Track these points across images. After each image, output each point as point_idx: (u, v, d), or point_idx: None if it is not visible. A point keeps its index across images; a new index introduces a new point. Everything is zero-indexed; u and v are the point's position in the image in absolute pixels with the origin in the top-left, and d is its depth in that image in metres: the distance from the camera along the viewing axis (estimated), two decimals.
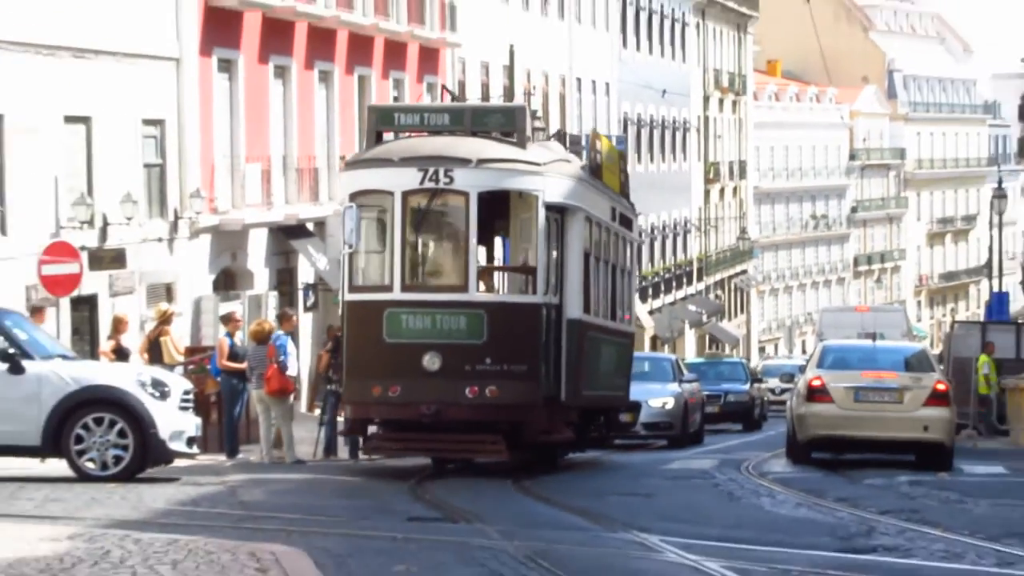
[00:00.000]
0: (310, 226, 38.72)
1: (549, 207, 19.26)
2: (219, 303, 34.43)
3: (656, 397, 30.12)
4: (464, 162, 18.68)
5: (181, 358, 26.45)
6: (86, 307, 29.64)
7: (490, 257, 20.01)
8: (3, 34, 27.45)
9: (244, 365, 25.87)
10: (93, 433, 18.54)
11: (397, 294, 18.66)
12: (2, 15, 27.43)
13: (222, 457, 25.49)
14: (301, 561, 11.16)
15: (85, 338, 28.87)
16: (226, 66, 36.77)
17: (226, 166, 36.57)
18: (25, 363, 18.43)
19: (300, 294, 38.82)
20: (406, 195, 18.66)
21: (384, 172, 19.03)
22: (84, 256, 27.85)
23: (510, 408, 18.79)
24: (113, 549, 11.77)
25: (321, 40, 41.44)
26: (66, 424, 18.43)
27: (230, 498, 17.91)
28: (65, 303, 27.45)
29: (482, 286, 19.52)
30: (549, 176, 19.54)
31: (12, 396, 18.33)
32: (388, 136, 20.58)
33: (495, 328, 18.59)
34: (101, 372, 20.76)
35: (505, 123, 20.41)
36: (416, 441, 19.36)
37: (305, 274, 39.07)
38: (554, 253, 19.58)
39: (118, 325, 26.98)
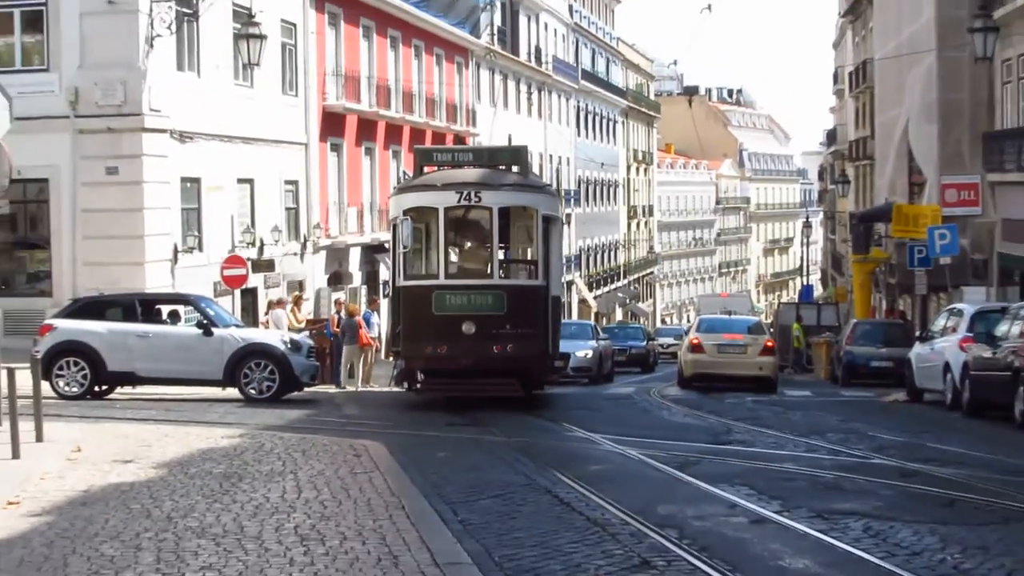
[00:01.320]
0: (386, 245, 42.12)
1: (542, 217, 23.72)
2: (331, 293, 41.51)
3: (580, 349, 36.96)
4: (489, 186, 23.31)
5: (300, 326, 32.23)
6: (249, 296, 35.62)
7: (505, 252, 23.64)
8: (202, 128, 33.13)
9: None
10: (254, 372, 24.61)
11: (442, 280, 23.02)
12: (203, 117, 33.03)
13: (332, 388, 31.20)
14: (380, 449, 16.29)
15: (249, 314, 34.45)
16: (335, 147, 43.80)
17: (335, 209, 43.73)
18: (213, 329, 24.54)
19: (380, 287, 44.93)
20: (447, 210, 22.94)
21: (430, 194, 23.51)
22: (249, 264, 33.22)
23: (523, 359, 23.00)
24: (266, 443, 17.31)
25: (393, 132, 48.91)
26: (238, 366, 24.43)
27: (336, 411, 24.35)
28: (238, 293, 33.65)
29: (501, 273, 23.56)
30: (542, 196, 24.83)
31: (205, 349, 24.40)
32: (428, 169, 25.04)
33: (511, 303, 22.71)
34: (259, 334, 27.00)
35: (512, 159, 26.00)
36: (458, 385, 23.38)
37: (383, 275, 44.98)
38: (542, 249, 23.69)
39: (269, 307, 33.54)
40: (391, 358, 33.81)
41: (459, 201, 23.00)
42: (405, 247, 23.17)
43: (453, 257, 23.71)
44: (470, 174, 24.29)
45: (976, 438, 19.90)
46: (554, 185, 32.17)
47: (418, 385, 24.39)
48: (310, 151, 40.75)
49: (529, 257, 24.23)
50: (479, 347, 22.32)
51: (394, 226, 24.08)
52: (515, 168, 25.17)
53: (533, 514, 12.34)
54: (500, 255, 23.52)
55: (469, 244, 24.75)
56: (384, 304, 41.59)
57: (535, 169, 66.98)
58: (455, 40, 55.14)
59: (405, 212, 23.17)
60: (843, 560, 10.25)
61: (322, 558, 9.85)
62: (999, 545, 10.70)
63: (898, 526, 11.62)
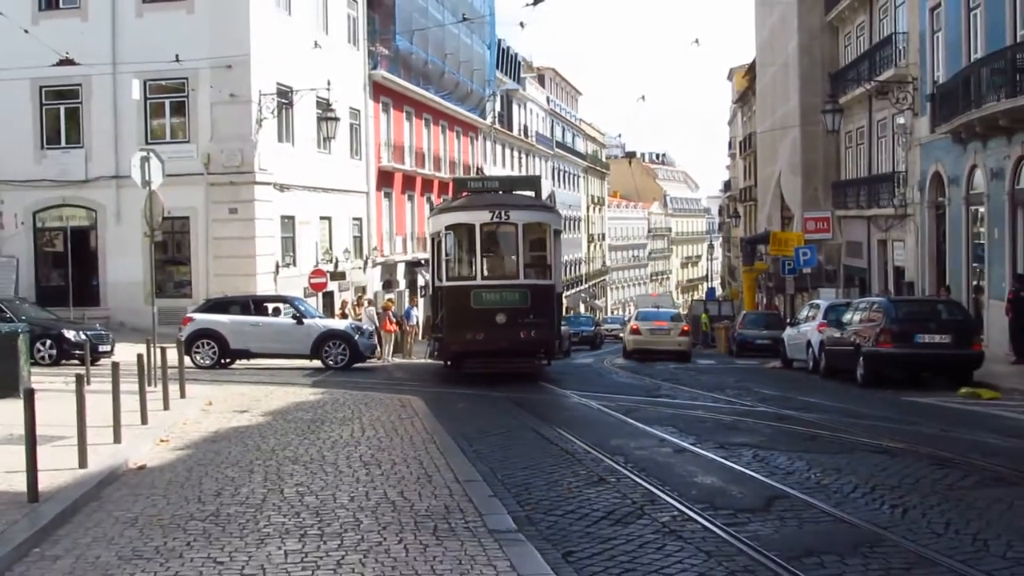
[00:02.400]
0: (423, 260, 42.89)
1: (552, 231, 22.11)
2: (384, 295, 40.28)
3: None
4: (515, 206, 21.63)
5: (358, 318, 30.63)
6: (329, 297, 34.60)
7: (526, 258, 21.75)
8: (295, 181, 32.87)
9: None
10: (332, 349, 24.70)
11: (479, 281, 21.13)
12: (296, 174, 32.86)
13: (385, 359, 31.01)
14: (419, 402, 16.26)
15: (329, 310, 33.36)
16: (387, 195, 43.17)
17: (387, 236, 43.06)
18: (304, 320, 24.73)
19: (419, 290, 44.16)
20: (482, 225, 21.20)
21: (468, 213, 21.59)
22: (327, 275, 33.00)
23: (542, 342, 21.46)
24: (340, 398, 17.28)
25: (426, 184, 47.89)
26: (320, 345, 24.57)
27: (389, 376, 23.90)
28: (320, 295, 32.98)
29: (524, 275, 21.32)
30: (552, 214, 22.93)
31: (298, 334, 24.51)
32: (462, 194, 24.18)
33: (533, 298, 20.93)
34: (335, 323, 26.51)
35: (528, 186, 25.17)
36: (493, 363, 21.36)
37: (420, 281, 44.11)
38: (552, 256, 22.07)
39: (343, 305, 33.45)
40: (427, 340, 34.06)
41: (492, 218, 21.29)
42: (448, 255, 21.46)
43: (487, 262, 21.62)
44: (499, 197, 22.59)
45: (830, 393, 19.91)
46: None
47: (448, 363, 23.15)
48: (369, 197, 40.54)
49: (544, 262, 22.09)
50: (510, 333, 20.63)
51: (435, 239, 22.64)
52: (530, 193, 24.12)
53: (523, 447, 12.38)
54: (524, 261, 21.57)
55: (499, 252, 22.31)
56: (421, 302, 42.08)
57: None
58: (469, 121, 55.16)
59: (447, 228, 21.49)
60: (739, 477, 10.25)
61: (379, 477, 9.86)
62: (848, 467, 10.70)
63: (776, 454, 11.61)
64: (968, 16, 27.09)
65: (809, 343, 25.74)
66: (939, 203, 29.97)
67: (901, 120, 32.85)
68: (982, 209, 26.57)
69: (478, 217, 21.28)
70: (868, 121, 37.39)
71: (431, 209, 27.21)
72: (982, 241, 26.81)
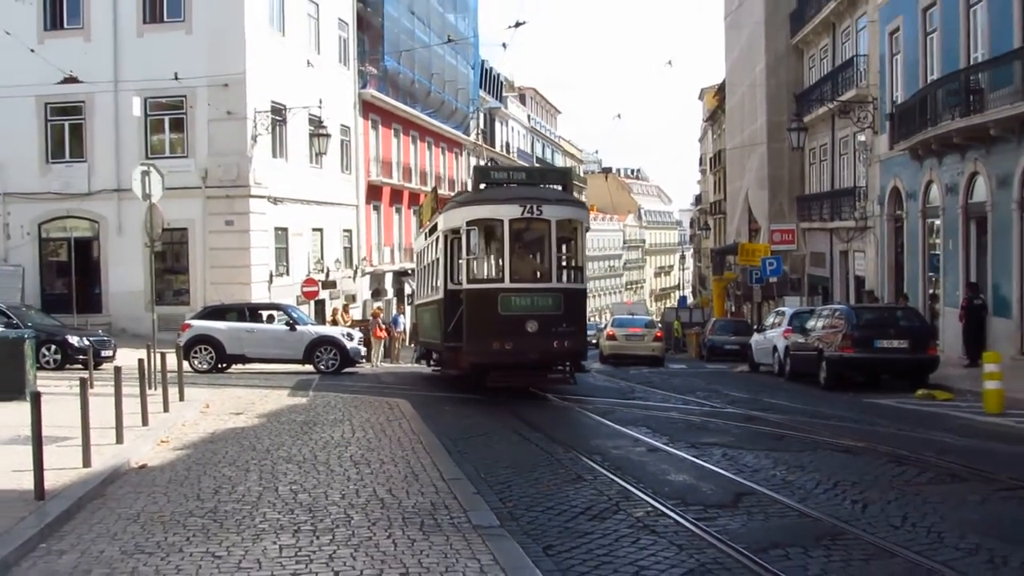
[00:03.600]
0: (409, 271, 42.69)
1: (584, 229, 18.72)
2: (373, 302, 39.59)
3: None
4: (548, 201, 17.82)
5: (348, 326, 30.15)
6: (320, 304, 34.56)
7: (557, 259, 18.34)
8: (288, 195, 32.61)
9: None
10: (323, 354, 24.46)
11: (508, 283, 17.44)
12: (288, 188, 32.43)
13: (374, 364, 31.12)
14: (406, 405, 16.21)
15: (321, 317, 33.34)
16: (376, 207, 42.89)
17: (376, 247, 42.84)
18: (297, 327, 24.52)
19: (406, 298, 43.99)
20: (512, 221, 17.47)
21: (495, 207, 17.72)
22: (319, 284, 33.30)
23: (575, 353, 17.97)
24: (331, 400, 17.24)
25: (413, 197, 46.89)
26: (313, 350, 24.37)
27: (378, 380, 23.39)
28: (312, 303, 33.13)
29: (557, 277, 17.97)
30: (583, 210, 19.05)
31: (291, 339, 24.28)
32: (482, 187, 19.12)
33: (566, 304, 17.55)
34: (327, 329, 26.51)
35: (559, 179, 19.93)
36: (523, 376, 18.12)
37: (407, 289, 44.16)
38: (583, 256, 18.99)
39: (334, 313, 33.41)
40: (412, 345, 33.28)
41: (523, 213, 17.46)
42: (472, 254, 17.82)
43: (515, 263, 17.86)
44: (528, 190, 18.46)
45: (794, 395, 19.99)
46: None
47: (458, 374, 19.41)
48: (359, 210, 40.53)
49: (576, 264, 18.74)
50: (542, 343, 17.16)
51: (448, 237, 18.62)
52: (560, 187, 19.49)
53: (505, 447, 12.39)
54: (556, 261, 18.04)
55: (529, 251, 18.77)
56: (408, 310, 41.85)
57: None
58: (454, 137, 55.17)
59: (469, 223, 17.72)
60: (709, 475, 10.28)
61: (368, 475, 9.86)
62: (811, 465, 10.76)
63: (744, 452, 11.66)
64: (925, 40, 27.35)
65: (775, 348, 25.84)
66: (897, 216, 30.18)
67: (862, 138, 33.09)
68: (938, 222, 26.78)
69: (507, 211, 17.58)
70: (831, 139, 37.62)
71: (432, 211, 22.50)
72: (937, 252, 27.02)
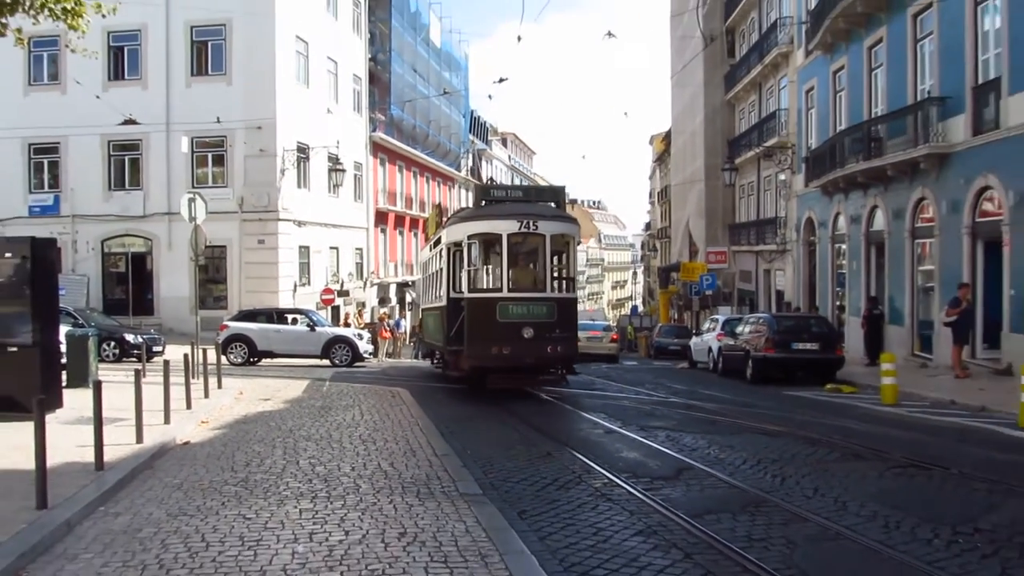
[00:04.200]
0: (411, 282, 42.92)
1: (576, 243, 16.96)
2: (379, 308, 39.62)
3: None
4: (543, 217, 16.01)
5: (360, 327, 30.23)
6: (336, 310, 33.97)
7: (552, 270, 16.59)
8: (311, 219, 32.32)
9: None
10: (338, 351, 24.25)
11: (506, 293, 15.70)
12: (311, 213, 32.32)
13: (380, 360, 30.89)
14: (406, 393, 16.12)
15: (336, 320, 32.79)
16: (383, 230, 42.55)
17: (382, 263, 42.44)
18: (316, 328, 24.38)
19: (407, 305, 43.28)
20: (510, 235, 15.79)
21: (495, 222, 15.98)
22: (335, 292, 32.96)
23: (568, 357, 16.15)
24: (344, 389, 17.00)
25: (414, 222, 46.92)
26: (329, 348, 24.16)
27: (383, 373, 22.94)
28: (329, 308, 32.67)
29: (550, 288, 16.28)
30: (575, 226, 17.06)
31: (311, 338, 24.11)
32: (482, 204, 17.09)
33: (559, 312, 15.86)
34: (341, 331, 26.14)
35: (552, 196, 17.53)
36: (519, 379, 16.40)
37: (408, 297, 43.57)
38: (574, 268, 17.06)
39: (346, 317, 33.39)
40: (412, 344, 33.08)
41: (520, 228, 15.80)
42: (473, 266, 16.43)
43: (513, 274, 16.16)
44: (524, 207, 16.54)
45: (726, 388, 20.01)
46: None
47: (459, 377, 17.33)
48: (368, 232, 40.20)
49: (568, 275, 16.98)
50: (537, 348, 15.52)
51: (452, 249, 16.76)
52: (554, 204, 17.28)
53: (488, 430, 12.32)
54: (550, 273, 16.34)
55: (526, 263, 16.93)
56: (408, 314, 41.62)
57: None
58: (447, 173, 55.09)
59: (471, 237, 16.24)
60: (655, 453, 10.26)
61: (373, 451, 9.80)
62: (739, 445, 10.75)
63: (684, 435, 11.64)
64: (835, 97, 27.58)
65: (710, 349, 25.86)
66: (811, 241, 30.35)
67: (782, 177, 33.30)
68: (844, 246, 26.96)
69: (505, 226, 15.89)
70: (757, 177, 37.84)
71: (437, 224, 20.98)
72: (844, 271, 27.19)
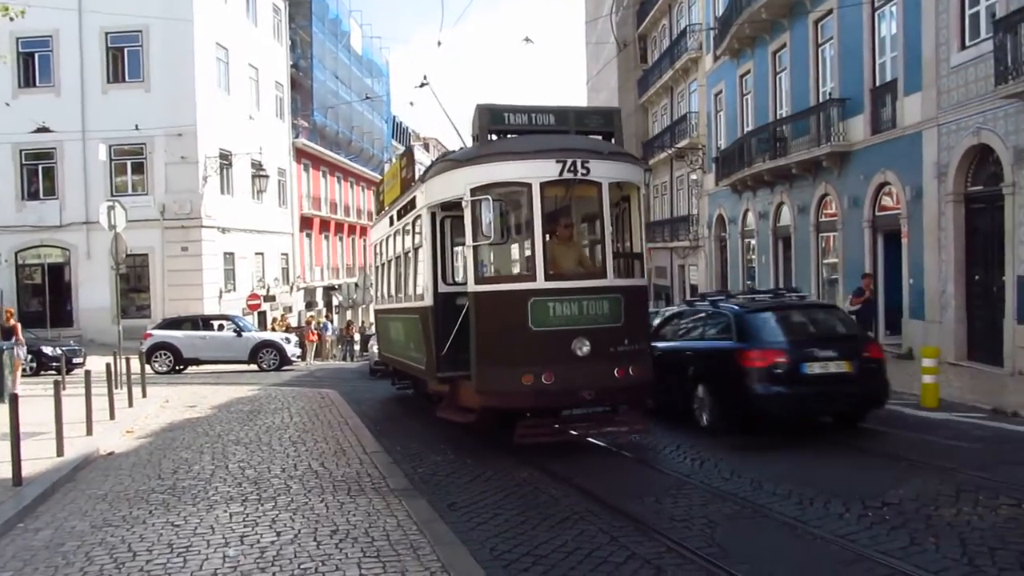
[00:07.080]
0: (336, 286, 43.24)
1: (642, 197, 10.13)
2: (306, 312, 38.81)
3: None
4: (598, 154, 9.30)
5: (285, 332, 29.33)
6: (263, 315, 33.20)
7: (615, 242, 9.62)
8: (235, 225, 31.29)
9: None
10: (265, 355, 23.91)
11: (542, 282, 8.86)
12: (235, 219, 31.15)
13: (308, 362, 30.15)
14: (335, 394, 15.82)
15: (263, 325, 32.18)
16: (308, 235, 41.58)
17: (308, 267, 41.39)
18: (243, 333, 24.03)
19: (335, 309, 43.05)
20: (544, 186, 9.02)
21: (518, 164, 9.11)
22: (261, 297, 32.14)
23: (644, 386, 9.48)
24: (272, 392, 16.63)
25: (339, 226, 46.55)
26: (257, 352, 23.83)
27: (310, 375, 22.50)
28: (256, 314, 31.73)
29: (615, 270, 9.37)
30: (639, 169, 10.29)
31: (238, 344, 23.76)
32: (492, 137, 9.80)
33: (628, 311, 9.18)
34: (268, 335, 25.81)
35: (604, 124, 10.33)
36: (571, 424, 9.72)
37: (335, 301, 43.56)
38: (643, 237, 10.13)
39: (273, 322, 32.86)
40: (339, 348, 33.08)
41: (561, 174, 9.03)
42: (488, 238, 8.97)
43: (552, 250, 9.26)
44: (567, 139, 9.59)
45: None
46: None
47: (462, 420, 9.96)
48: (294, 237, 39.52)
49: (632, 249, 9.94)
50: (598, 372, 8.84)
51: (434, 215, 10.46)
52: (598, 137, 10.15)
53: (416, 428, 12.22)
54: (612, 247, 9.35)
55: (570, 233, 9.76)
56: (335, 317, 41.00)
57: None
58: (371, 178, 54.29)
59: (476, 191, 9.14)
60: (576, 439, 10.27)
61: (304, 452, 9.63)
62: (658, 432, 10.84)
63: None
64: (742, 100, 28.23)
65: None
66: (722, 237, 30.99)
67: (694, 176, 33.94)
68: (753, 241, 27.59)
69: (537, 170, 9.08)
70: (670, 177, 38.49)
71: (403, 181, 12.48)
72: (753, 264, 27.83)
